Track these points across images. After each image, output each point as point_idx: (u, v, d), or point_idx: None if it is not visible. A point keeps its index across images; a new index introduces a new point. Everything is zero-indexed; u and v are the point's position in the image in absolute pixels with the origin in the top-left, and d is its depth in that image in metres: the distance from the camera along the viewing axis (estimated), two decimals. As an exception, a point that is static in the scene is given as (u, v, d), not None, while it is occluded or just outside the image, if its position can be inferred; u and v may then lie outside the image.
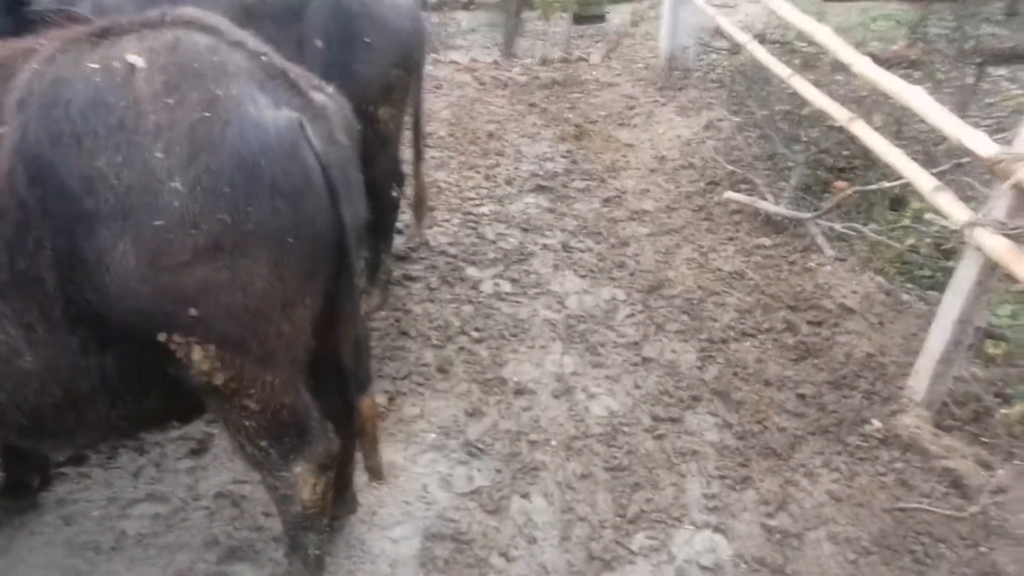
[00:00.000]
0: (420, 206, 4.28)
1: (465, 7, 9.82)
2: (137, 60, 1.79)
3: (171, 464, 3.05)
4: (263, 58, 1.99)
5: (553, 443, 3.30)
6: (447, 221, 4.95)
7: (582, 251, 4.72)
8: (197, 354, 1.89)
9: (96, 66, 1.77)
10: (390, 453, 3.19)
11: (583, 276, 4.47)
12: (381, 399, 3.45)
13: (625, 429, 3.40)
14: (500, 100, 6.88)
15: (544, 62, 7.87)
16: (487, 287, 4.33)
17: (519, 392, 3.57)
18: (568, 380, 3.66)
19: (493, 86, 7.19)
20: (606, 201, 5.30)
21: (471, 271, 4.47)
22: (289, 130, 1.86)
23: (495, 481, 3.08)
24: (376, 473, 2.53)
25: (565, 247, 4.74)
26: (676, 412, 3.49)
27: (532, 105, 6.80)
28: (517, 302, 4.21)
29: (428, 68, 7.33)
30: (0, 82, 1.79)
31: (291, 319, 1.97)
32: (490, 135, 6.17)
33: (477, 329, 3.96)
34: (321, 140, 1.92)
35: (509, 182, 5.48)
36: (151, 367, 1.96)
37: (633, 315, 4.16)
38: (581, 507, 2.98)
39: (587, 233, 4.90)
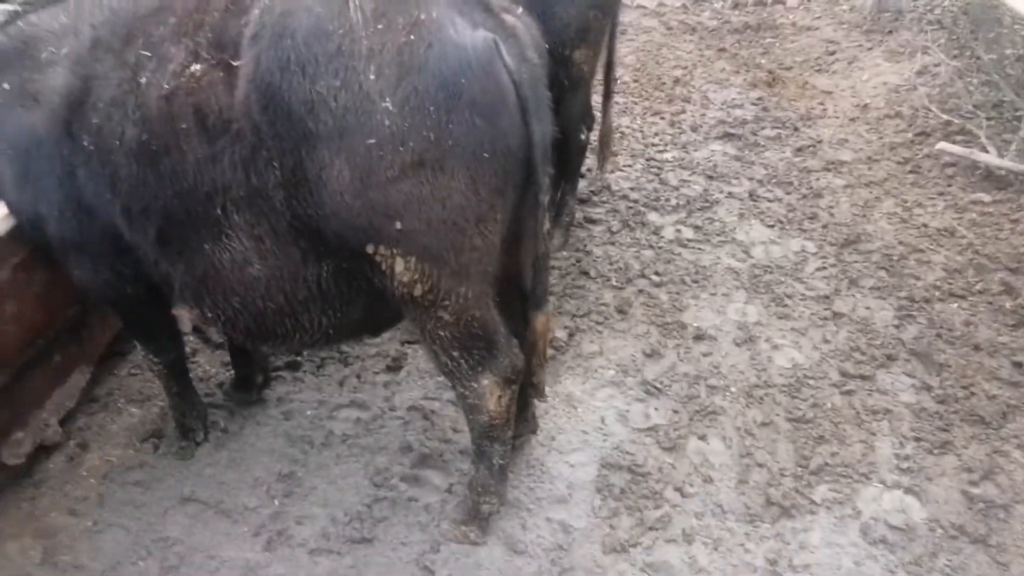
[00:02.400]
0: (605, 149, 4.28)
1: (654, -49, 9.49)
2: None
3: (370, 377, 3.33)
4: None
5: (733, 390, 3.24)
6: (629, 166, 4.92)
7: (770, 201, 4.53)
8: (399, 266, 2.06)
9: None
10: (568, 385, 3.29)
11: (771, 226, 4.30)
12: (561, 334, 3.55)
13: (810, 382, 3.27)
14: (688, 45, 6.65)
15: (736, 5, 7.48)
16: (668, 233, 4.28)
17: (698, 337, 3.53)
18: (751, 329, 3.57)
19: (681, 31, 6.96)
20: (799, 151, 5.02)
21: (652, 216, 4.43)
22: (486, 50, 1.95)
23: (672, 420, 3.09)
24: (539, 390, 2.63)
25: (752, 196, 4.56)
26: (868, 370, 3.30)
27: (722, 50, 6.52)
28: (699, 249, 4.14)
29: (615, 13, 7.26)
30: (234, 17, 2.01)
31: (483, 233, 2.09)
32: (676, 81, 6.01)
33: (657, 273, 3.94)
34: (514, 59, 2.00)
35: (694, 129, 5.33)
36: (359, 278, 2.17)
37: (824, 268, 3.95)
38: (760, 454, 2.93)
39: (777, 183, 4.69)
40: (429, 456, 2.93)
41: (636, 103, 5.70)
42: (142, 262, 2.27)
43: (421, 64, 1.89)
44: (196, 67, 2.01)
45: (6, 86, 2.18)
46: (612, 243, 4.21)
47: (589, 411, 3.16)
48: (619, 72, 6.11)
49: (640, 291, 3.83)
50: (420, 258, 2.06)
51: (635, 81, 6.00)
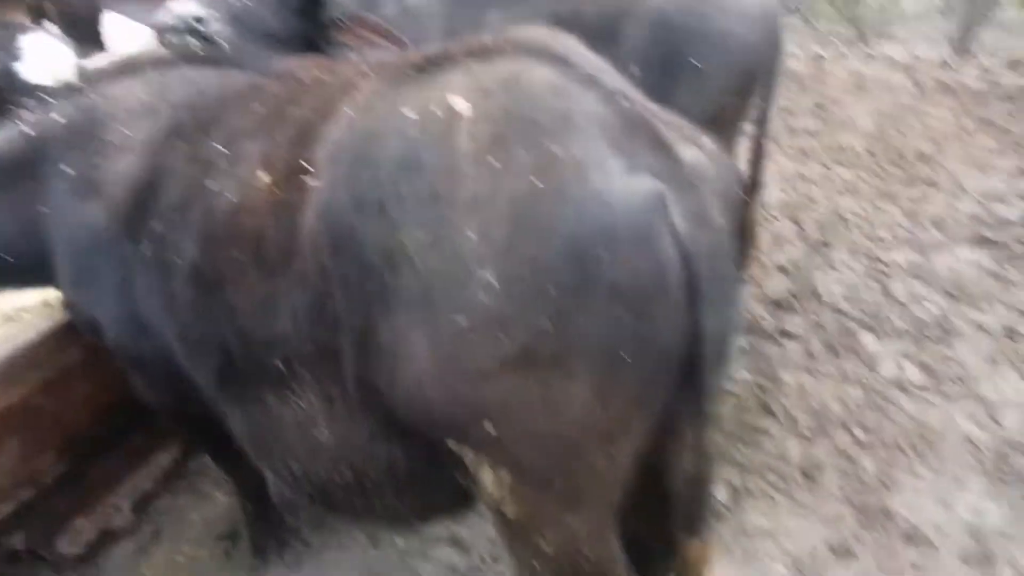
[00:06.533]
0: (744, 247, 3.44)
1: (912, -13, 8.20)
2: (462, 105, 1.38)
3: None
4: (623, 102, 1.44)
5: (953, 637, 2.35)
6: (846, 266, 4.01)
7: (1037, 345, 3.45)
8: (487, 477, 1.51)
9: (414, 116, 1.40)
10: (720, 567, 2.55)
11: (1034, 383, 3.24)
12: (722, 492, 2.81)
13: (1073, 650, 2.30)
14: (942, 111, 5.51)
15: (1013, 64, 6.16)
16: (887, 368, 3.36)
17: (909, 538, 2.64)
18: (988, 541, 2.62)
19: (935, 92, 5.81)
20: (1085, 275, 3.84)
21: (868, 340, 3.52)
22: (645, 209, 1.32)
23: (856, 667, 2.28)
24: None
25: (1010, 334, 3.50)
26: None
27: (986, 122, 5.32)
28: (927, 400, 3.19)
29: (848, 63, 6.25)
30: (321, 120, 1.53)
31: (609, 453, 1.48)
32: (921, 157, 4.94)
33: (865, 428, 3.06)
34: (688, 222, 1.35)
35: (938, 224, 4.28)
36: (442, 468, 1.62)
37: (1110, 463, 2.88)
38: None
39: (1048, 319, 3.58)
40: (525, 645, 2.33)
41: (866, 181, 4.73)
42: (204, 391, 1.87)
43: (546, 225, 1.30)
44: (264, 177, 1.56)
45: (69, 170, 1.84)
46: (809, 371, 3.36)
47: (742, 621, 2.41)
48: (850, 138, 5.17)
49: (838, 450, 2.98)
50: (517, 474, 1.49)
51: (868, 152, 5.02)
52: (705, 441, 1.61)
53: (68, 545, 2.38)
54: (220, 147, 1.65)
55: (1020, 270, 3.90)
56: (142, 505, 2.63)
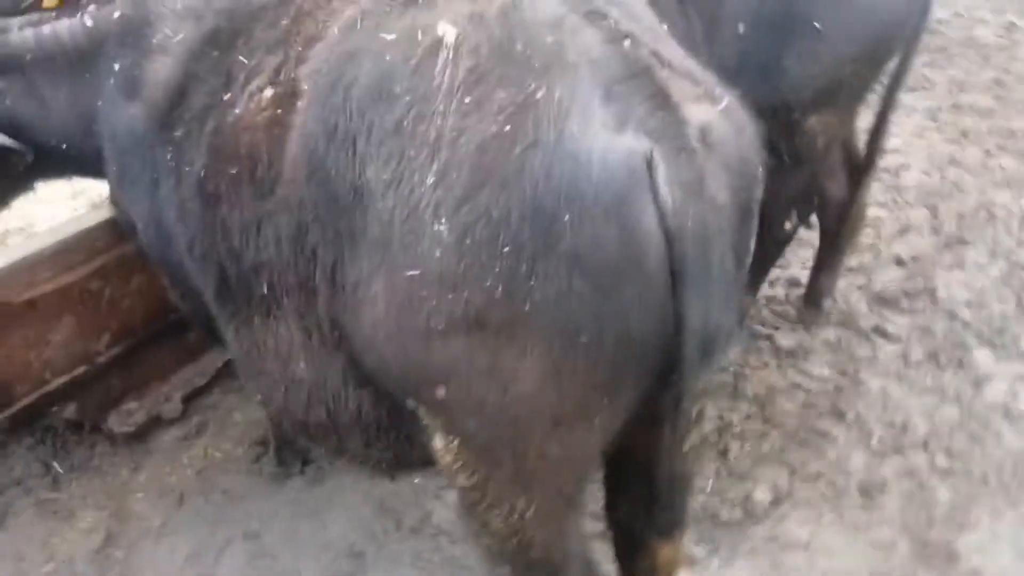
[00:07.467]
0: (844, 244, 3.07)
1: None
2: (448, 31, 1.25)
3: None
4: (628, 44, 1.28)
5: None
6: (980, 268, 3.51)
7: None
8: (440, 442, 1.46)
9: (393, 39, 1.29)
10: (741, 573, 2.38)
11: None
12: (763, 494, 2.60)
13: None
14: None
15: None
16: (997, 390, 2.93)
17: (970, 584, 2.34)
18: (1066, 608, 2.27)
19: None
20: None
21: (982, 355, 3.08)
22: (626, 171, 1.17)
23: None
24: None
25: None
26: None
27: None
28: (1035, 436, 2.77)
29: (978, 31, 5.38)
30: (316, 40, 1.45)
31: (564, 441, 1.38)
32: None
33: (949, 453, 2.71)
34: (680, 191, 1.19)
35: (1112, 236, 3.65)
36: (404, 424, 1.58)
37: None
38: None
39: None
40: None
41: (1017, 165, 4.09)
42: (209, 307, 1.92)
43: (508, 175, 1.18)
44: (268, 92, 1.53)
45: (117, 66, 1.88)
46: (901, 379, 3.01)
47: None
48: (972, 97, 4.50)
49: (909, 472, 2.66)
50: (465, 444, 1.43)
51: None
52: (683, 441, 1.48)
53: (119, 423, 2.59)
54: (243, 59, 1.63)
55: None
56: (191, 397, 2.80)
